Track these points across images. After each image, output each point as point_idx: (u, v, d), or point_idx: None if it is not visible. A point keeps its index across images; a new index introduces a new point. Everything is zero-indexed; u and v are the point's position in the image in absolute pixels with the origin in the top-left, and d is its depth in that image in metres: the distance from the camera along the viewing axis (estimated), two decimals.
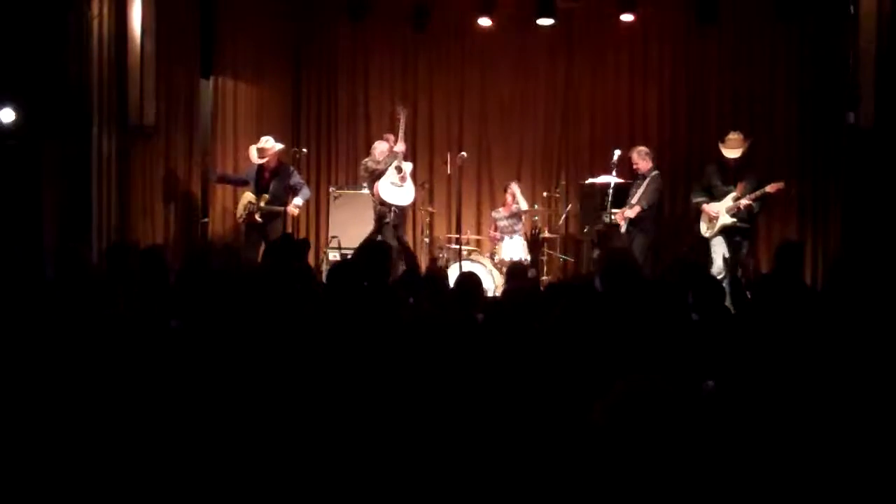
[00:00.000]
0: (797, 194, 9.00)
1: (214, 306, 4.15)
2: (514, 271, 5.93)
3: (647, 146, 9.10)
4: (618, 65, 10.00)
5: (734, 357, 3.44)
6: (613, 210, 8.51)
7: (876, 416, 2.81)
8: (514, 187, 9.36)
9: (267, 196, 8.65)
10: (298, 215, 9.15)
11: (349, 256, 8.83)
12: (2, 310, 4.23)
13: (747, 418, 2.84)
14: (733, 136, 8.25)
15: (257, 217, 8.64)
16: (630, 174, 8.79)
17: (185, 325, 3.99)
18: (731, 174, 8.20)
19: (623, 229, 8.48)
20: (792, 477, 2.50)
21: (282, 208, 8.75)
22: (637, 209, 8.44)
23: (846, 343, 3.55)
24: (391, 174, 8.82)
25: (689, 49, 9.77)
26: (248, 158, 8.87)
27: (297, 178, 8.91)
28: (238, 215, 8.94)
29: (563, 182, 9.90)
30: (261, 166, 8.73)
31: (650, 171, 8.60)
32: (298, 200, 8.81)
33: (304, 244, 5.91)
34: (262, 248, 8.55)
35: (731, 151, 8.18)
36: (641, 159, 8.64)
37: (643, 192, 8.51)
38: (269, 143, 8.72)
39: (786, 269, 5.11)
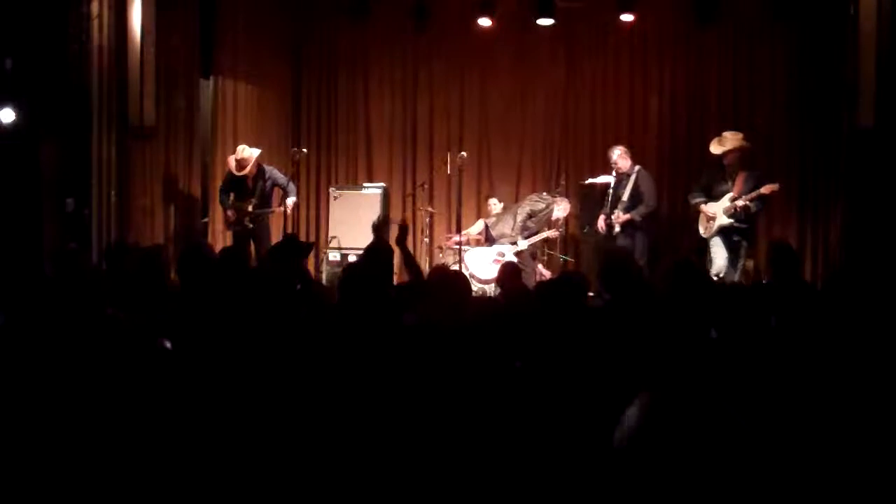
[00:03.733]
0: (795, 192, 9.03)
1: (216, 306, 4.15)
2: (506, 272, 5.84)
3: (646, 145, 9.06)
4: (618, 64, 10.00)
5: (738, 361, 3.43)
6: (615, 210, 8.48)
7: (876, 417, 2.81)
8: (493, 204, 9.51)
9: (254, 200, 8.60)
10: (290, 213, 9.02)
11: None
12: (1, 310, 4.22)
13: (748, 419, 2.84)
14: (727, 135, 8.26)
15: (247, 223, 8.58)
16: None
17: (186, 325, 3.98)
18: (729, 174, 8.20)
19: (616, 230, 8.43)
20: (795, 479, 2.50)
21: (271, 210, 8.73)
22: (630, 216, 8.41)
23: (846, 345, 3.55)
24: (490, 254, 8.88)
25: (689, 49, 9.76)
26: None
27: (277, 174, 8.75)
28: (226, 223, 8.78)
29: (563, 182, 9.90)
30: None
31: (632, 168, 8.59)
32: (291, 199, 8.71)
33: (309, 246, 5.89)
34: (253, 252, 8.51)
35: (717, 148, 8.19)
36: (621, 159, 8.59)
37: (632, 192, 8.46)
38: (247, 152, 8.48)
39: (783, 272, 5.10)
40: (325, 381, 3.16)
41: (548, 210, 9.10)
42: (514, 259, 8.60)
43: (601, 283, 4.32)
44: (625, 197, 8.48)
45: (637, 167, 8.59)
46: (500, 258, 8.75)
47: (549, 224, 9.13)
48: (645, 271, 7.70)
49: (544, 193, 9.39)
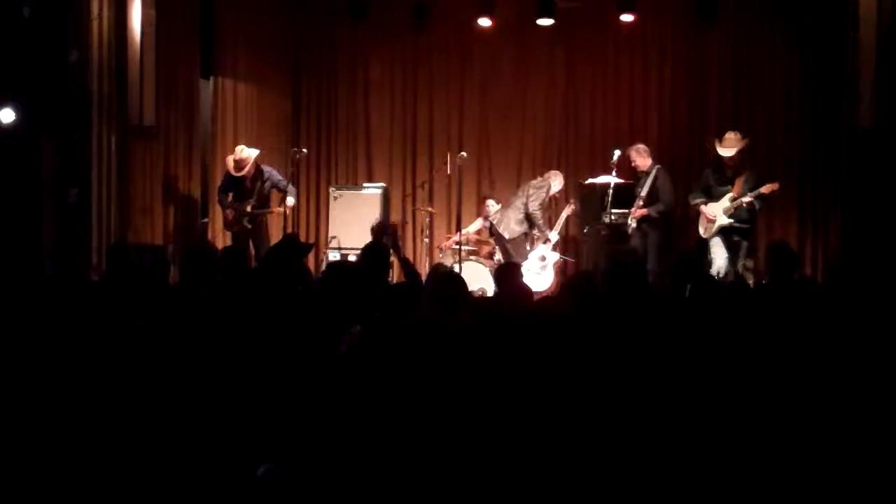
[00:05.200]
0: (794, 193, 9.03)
1: (217, 305, 4.14)
2: (501, 272, 5.81)
3: (647, 145, 9.03)
4: (618, 64, 10.00)
5: (738, 356, 3.43)
6: (614, 210, 8.46)
7: (876, 416, 2.80)
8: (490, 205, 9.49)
9: (252, 200, 8.59)
10: (290, 214, 9.00)
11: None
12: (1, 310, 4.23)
13: (750, 417, 2.84)
14: (730, 136, 8.25)
15: (246, 223, 8.56)
16: (630, 174, 8.75)
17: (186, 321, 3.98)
18: (729, 175, 8.19)
19: (633, 227, 8.41)
20: (796, 477, 2.50)
21: (269, 211, 8.72)
22: (647, 211, 8.40)
23: (847, 343, 3.55)
24: (534, 263, 8.96)
25: (689, 49, 9.76)
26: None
27: (275, 175, 8.74)
28: (224, 224, 8.77)
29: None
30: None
31: (651, 167, 8.58)
32: (291, 200, 8.72)
33: (309, 247, 5.90)
34: (253, 253, 8.49)
35: (727, 150, 8.17)
36: (640, 157, 8.59)
37: (650, 190, 8.45)
38: (246, 153, 8.47)
39: (783, 271, 5.10)
40: (322, 377, 3.16)
41: (548, 192, 9.12)
42: (557, 255, 8.90)
43: (604, 284, 4.31)
44: (643, 193, 8.46)
45: (657, 166, 8.59)
46: (543, 261, 8.82)
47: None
48: (653, 273, 7.71)
49: (537, 178, 9.35)
